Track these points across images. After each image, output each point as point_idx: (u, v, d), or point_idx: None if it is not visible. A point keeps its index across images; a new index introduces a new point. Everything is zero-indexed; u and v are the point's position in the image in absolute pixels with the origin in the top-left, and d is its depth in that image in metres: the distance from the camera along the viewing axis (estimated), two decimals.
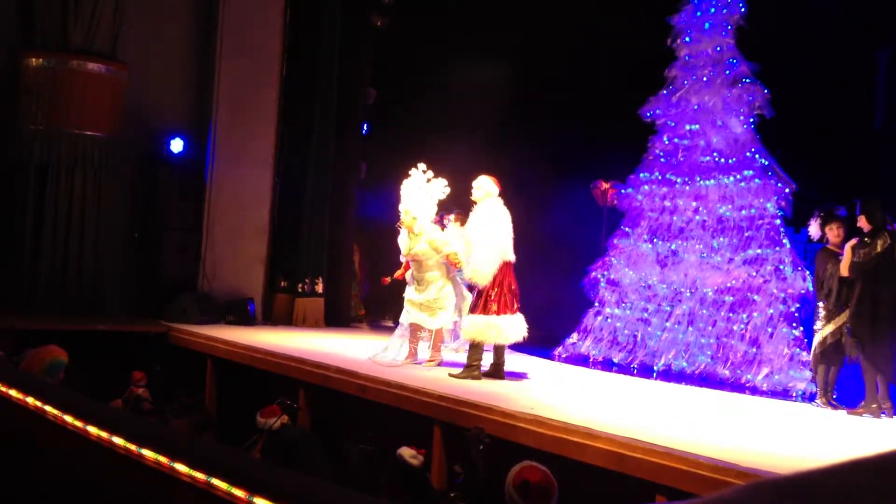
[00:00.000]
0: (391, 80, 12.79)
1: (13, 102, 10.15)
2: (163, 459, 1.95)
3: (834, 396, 7.55)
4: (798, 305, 8.77)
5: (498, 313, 7.48)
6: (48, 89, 10.10)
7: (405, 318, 8.20)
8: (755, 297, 8.90)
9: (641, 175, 10.20)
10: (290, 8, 11.61)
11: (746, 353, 8.76)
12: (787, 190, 9.15)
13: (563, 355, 9.95)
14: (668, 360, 9.30)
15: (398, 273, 8.97)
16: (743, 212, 9.26)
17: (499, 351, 7.71)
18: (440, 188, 8.05)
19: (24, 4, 10.32)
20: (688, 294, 9.44)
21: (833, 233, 7.65)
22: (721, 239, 9.34)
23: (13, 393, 2.54)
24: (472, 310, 7.63)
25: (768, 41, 10.45)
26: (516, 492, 4.00)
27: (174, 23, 11.45)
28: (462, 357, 7.92)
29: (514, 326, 7.56)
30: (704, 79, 9.76)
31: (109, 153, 10.37)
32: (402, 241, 8.19)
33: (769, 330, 8.72)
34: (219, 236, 11.16)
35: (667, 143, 10.09)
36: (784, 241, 9.06)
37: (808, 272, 8.58)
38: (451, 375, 7.51)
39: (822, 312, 7.55)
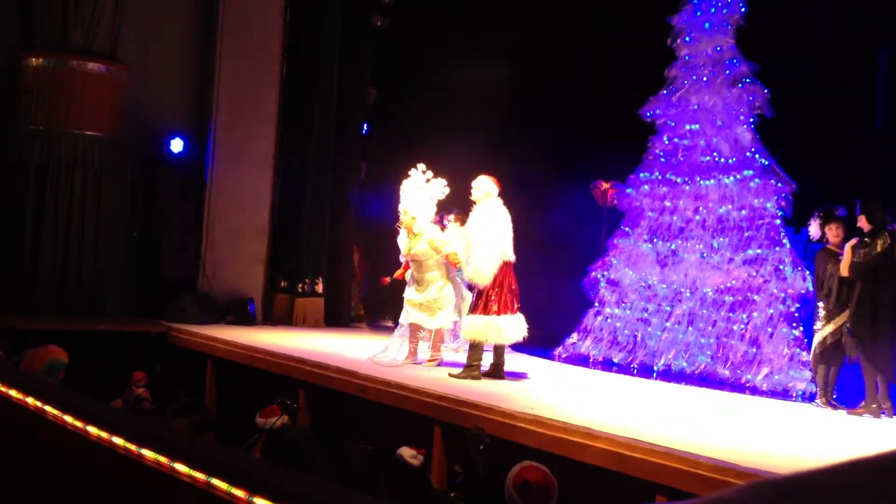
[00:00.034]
0: (391, 80, 12.79)
1: (13, 102, 10.15)
2: (163, 459, 1.95)
3: (834, 396, 7.55)
4: (798, 305, 8.77)
5: (498, 313, 7.48)
6: (48, 89, 10.10)
7: (405, 318, 8.20)
8: (755, 297, 8.91)
9: (641, 175, 10.20)
10: (290, 8, 11.61)
11: (746, 353, 8.76)
12: (787, 190, 9.15)
13: (563, 355, 9.95)
14: (668, 360, 9.30)
15: (398, 273, 8.97)
16: (743, 212, 9.26)
17: (499, 351, 7.71)
18: (439, 188, 8.05)
19: (24, 4, 10.32)
20: (688, 294, 9.44)
21: (832, 233, 7.65)
22: (721, 239, 9.34)
23: (13, 393, 2.54)
24: (473, 310, 7.63)
25: (768, 41, 10.46)
26: (516, 492, 4.00)
27: (174, 23, 11.45)
28: (462, 357, 7.92)
29: (514, 326, 7.56)
30: (704, 79, 9.77)
31: (109, 153, 10.37)
32: (402, 241, 8.19)
33: (769, 330, 8.72)
34: (219, 236, 11.16)
35: (667, 143, 10.09)
36: (784, 241, 9.06)
37: (808, 272, 8.58)
38: (451, 375, 7.52)
39: (822, 312, 7.56)
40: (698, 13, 9.88)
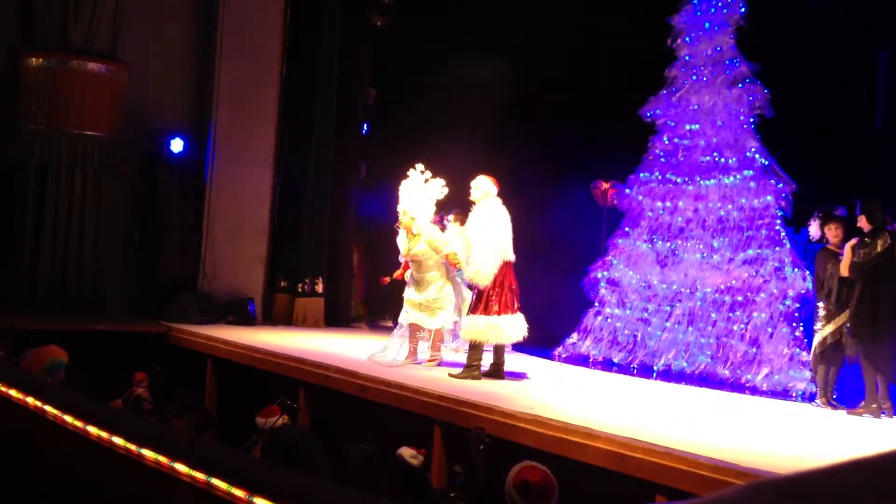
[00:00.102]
0: (391, 80, 12.79)
1: (13, 102, 10.15)
2: (163, 459, 1.95)
3: (834, 396, 7.55)
4: (798, 305, 8.77)
5: (499, 313, 7.48)
6: (48, 89, 10.10)
7: (404, 318, 8.20)
8: (755, 297, 8.90)
9: (641, 175, 10.20)
10: (290, 8, 11.61)
11: (746, 353, 8.76)
12: (787, 190, 9.15)
13: (563, 355, 9.95)
14: (668, 360, 9.30)
15: (397, 273, 8.97)
16: (743, 212, 9.26)
17: (499, 351, 7.71)
18: (438, 188, 8.05)
19: (24, 4, 10.32)
20: (688, 294, 9.44)
21: (832, 233, 7.65)
22: (721, 239, 9.34)
23: (13, 393, 2.54)
24: (473, 310, 7.63)
25: (768, 41, 10.46)
26: (516, 492, 3.99)
27: (174, 23, 11.45)
28: (462, 357, 7.92)
29: (514, 326, 7.56)
30: (704, 79, 9.77)
31: (109, 153, 10.37)
32: (401, 241, 8.19)
33: (769, 330, 8.72)
34: (219, 236, 11.16)
35: (667, 143, 10.09)
36: (784, 241, 9.06)
37: (808, 272, 8.58)
38: (451, 375, 7.52)
39: (822, 312, 7.55)
40: (698, 13, 9.88)
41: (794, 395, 8.17)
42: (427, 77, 12.91)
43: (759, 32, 9.92)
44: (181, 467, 1.90)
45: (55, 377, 5.27)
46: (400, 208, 8.05)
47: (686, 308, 9.39)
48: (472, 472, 5.04)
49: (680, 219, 9.79)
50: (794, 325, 8.71)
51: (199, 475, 1.84)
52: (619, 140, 10.75)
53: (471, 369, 7.50)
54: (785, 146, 9.74)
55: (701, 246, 9.47)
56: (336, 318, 11.69)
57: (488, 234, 7.53)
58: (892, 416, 7.06)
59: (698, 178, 9.66)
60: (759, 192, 9.18)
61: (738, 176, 9.33)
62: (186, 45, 11.51)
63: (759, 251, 9.03)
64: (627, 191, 10.31)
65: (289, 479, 1.84)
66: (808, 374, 8.12)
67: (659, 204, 9.97)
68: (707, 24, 9.81)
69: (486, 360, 7.68)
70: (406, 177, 8.09)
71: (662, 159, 10.10)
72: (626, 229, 10.23)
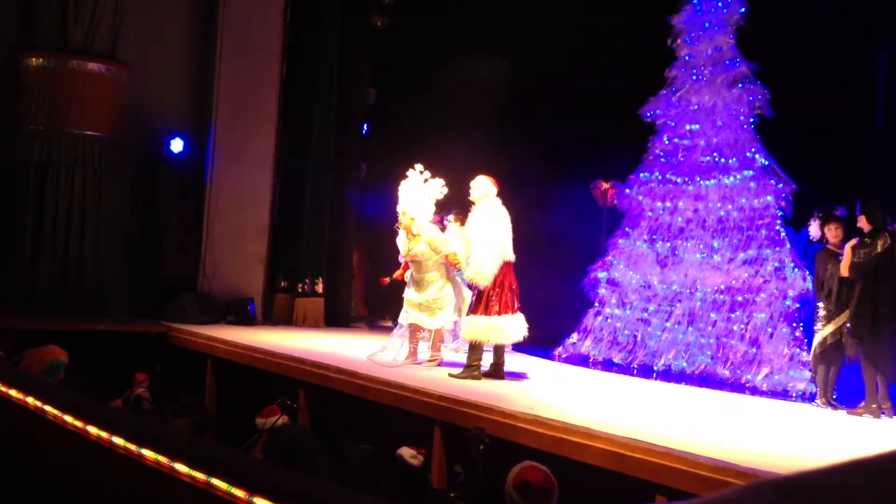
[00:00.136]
0: (391, 80, 12.79)
1: (13, 102, 10.15)
2: (163, 459, 1.95)
3: (834, 396, 7.55)
4: (798, 305, 8.77)
5: (499, 313, 7.48)
6: (48, 89, 10.10)
7: (404, 318, 8.20)
8: (755, 297, 8.90)
9: (641, 175, 10.20)
10: (290, 8, 11.61)
11: (746, 353, 8.76)
12: (787, 190, 9.15)
13: (563, 355, 9.95)
14: (668, 360, 9.30)
15: (397, 274, 8.97)
16: (743, 212, 9.25)
17: (499, 351, 7.71)
18: (437, 188, 8.05)
19: (24, 4, 10.32)
20: (688, 294, 9.44)
21: (832, 233, 7.65)
22: (721, 239, 9.34)
23: (13, 393, 2.54)
24: (473, 310, 7.62)
25: (768, 41, 10.46)
26: (517, 492, 3.99)
27: (174, 23, 11.45)
28: (462, 357, 7.92)
29: (514, 326, 7.56)
30: (704, 79, 9.77)
31: (109, 153, 10.37)
32: (401, 241, 8.19)
33: (769, 330, 8.72)
34: (219, 236, 11.16)
35: (667, 143, 10.09)
36: (784, 241, 9.06)
37: (808, 272, 8.58)
38: (451, 375, 7.52)
39: (822, 313, 7.55)
40: (698, 13, 9.88)
41: (793, 395, 8.17)
42: (427, 77, 12.92)
43: (759, 32, 9.92)
44: (181, 467, 1.90)
45: (55, 377, 5.26)
46: (399, 209, 8.05)
47: (686, 308, 9.39)
48: (472, 472, 5.04)
49: (680, 219, 9.79)
50: (794, 325, 8.71)
51: (199, 475, 1.84)
52: (619, 140, 10.75)
53: (471, 369, 7.50)
54: (785, 146, 9.75)
55: (701, 246, 9.47)
56: (336, 318, 11.69)
57: (488, 234, 7.53)
58: (892, 416, 7.06)
59: (698, 179, 9.66)
60: (759, 193, 9.18)
61: (738, 176, 9.33)
62: (186, 45, 11.51)
63: (759, 251, 9.03)
64: (627, 191, 10.31)
65: (289, 479, 1.83)
66: (808, 374, 8.12)
67: (659, 204, 9.97)
68: (707, 24, 9.81)
69: (486, 361, 7.68)
70: (406, 177, 8.09)
71: (662, 159, 10.10)
72: (626, 229, 10.23)
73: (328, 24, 11.59)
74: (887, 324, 7.11)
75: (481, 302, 7.54)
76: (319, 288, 11.47)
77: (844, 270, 7.29)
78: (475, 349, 7.55)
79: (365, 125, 12.62)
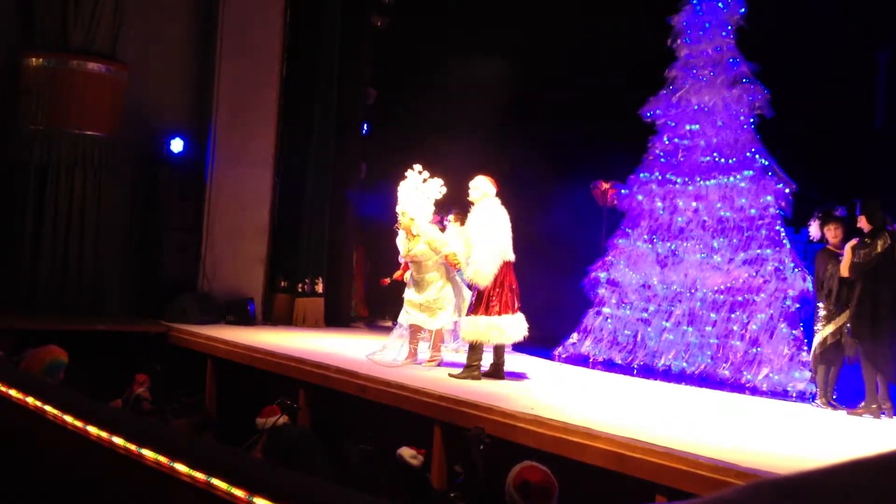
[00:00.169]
0: (391, 80, 12.79)
1: (13, 102, 10.16)
2: (163, 459, 1.95)
3: (834, 396, 7.55)
4: (798, 306, 8.77)
5: (500, 313, 7.48)
6: (48, 89, 10.10)
7: (405, 318, 8.20)
8: (755, 297, 8.90)
9: (641, 175, 10.20)
10: (290, 8, 11.61)
11: (746, 353, 8.76)
12: (787, 190, 9.15)
13: (563, 355, 9.95)
14: (668, 360, 9.30)
15: (397, 274, 8.97)
16: (743, 212, 9.25)
17: (499, 351, 7.71)
18: (436, 188, 8.04)
19: (24, 4, 10.32)
20: (688, 294, 9.44)
21: (831, 233, 7.64)
22: (721, 239, 9.34)
23: (13, 393, 2.54)
24: (474, 311, 7.61)
25: (768, 41, 10.46)
26: (517, 492, 3.99)
27: (174, 23, 11.45)
28: (462, 357, 7.92)
29: (515, 326, 7.56)
30: (704, 79, 9.77)
31: (109, 153, 10.38)
32: (401, 242, 8.19)
33: (769, 330, 8.72)
34: (219, 236, 11.16)
35: (667, 143, 10.09)
36: (784, 241, 9.06)
37: (808, 272, 8.58)
38: (451, 376, 7.52)
39: (822, 313, 7.55)
40: (699, 13, 9.88)
41: (793, 395, 8.17)
42: (427, 77, 12.92)
43: (759, 32, 9.92)
44: (181, 467, 1.90)
45: (55, 377, 5.26)
46: (399, 209, 8.04)
47: (686, 308, 9.39)
48: (472, 472, 5.04)
49: (680, 219, 9.79)
50: (795, 325, 8.71)
51: (199, 475, 1.84)
52: (619, 140, 10.75)
53: (471, 369, 7.50)
54: (785, 146, 9.74)
55: (701, 246, 9.47)
56: (336, 318, 11.69)
57: (488, 234, 7.53)
58: (892, 416, 7.06)
59: (698, 179, 9.66)
60: (760, 193, 9.18)
61: (739, 176, 9.32)
62: (186, 45, 11.51)
63: (759, 251, 9.03)
64: (628, 191, 10.31)
65: (289, 479, 1.83)
66: (808, 374, 8.12)
67: (659, 204, 9.97)
68: (707, 24, 9.81)
69: (486, 361, 7.68)
70: (405, 177, 8.09)
71: (662, 159, 10.10)
72: (626, 229, 10.23)
73: (328, 24, 11.60)
74: (887, 324, 7.11)
75: (481, 302, 7.54)
76: (319, 288, 11.47)
77: (844, 270, 7.29)
78: (475, 349, 7.55)
79: (365, 125, 12.62)
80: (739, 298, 9.04)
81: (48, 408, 2.38)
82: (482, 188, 7.69)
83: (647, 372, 9.22)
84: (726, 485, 4.46)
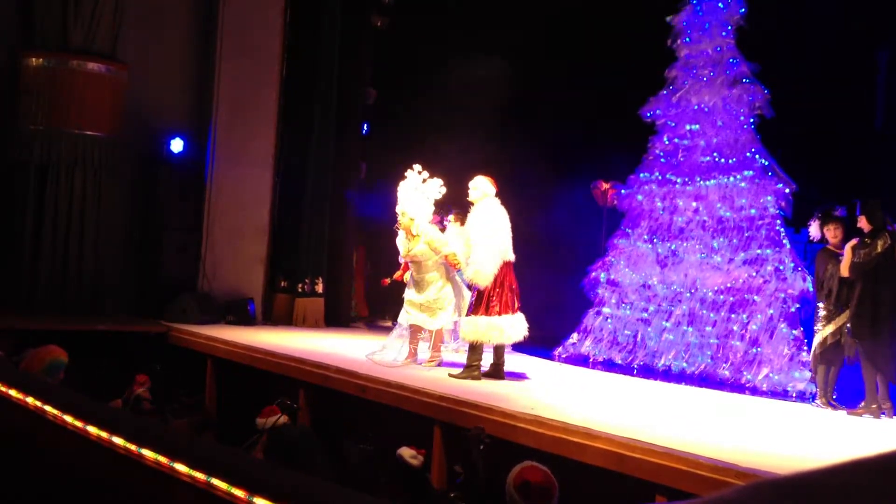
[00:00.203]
0: (391, 80, 12.79)
1: (13, 102, 10.16)
2: (163, 459, 1.95)
3: (834, 396, 7.55)
4: (798, 306, 8.76)
5: (500, 313, 7.48)
6: (48, 89, 10.10)
7: (405, 319, 8.20)
8: (755, 297, 8.90)
9: (641, 175, 10.20)
10: (290, 8, 11.61)
11: (746, 353, 8.76)
12: (787, 190, 9.15)
13: (563, 355, 9.95)
14: (668, 360, 9.30)
15: (397, 274, 8.98)
16: (743, 212, 9.25)
17: (499, 351, 7.71)
18: (436, 188, 8.04)
19: (24, 4, 10.32)
20: (688, 294, 9.43)
21: (831, 233, 7.64)
22: (721, 239, 9.34)
23: (13, 393, 2.54)
24: (474, 311, 7.61)
25: (768, 41, 10.45)
26: (517, 492, 3.99)
27: (174, 23, 11.45)
28: (462, 357, 7.91)
29: (515, 326, 7.56)
30: (704, 79, 9.77)
31: (109, 153, 10.38)
32: (401, 242, 8.19)
33: (769, 330, 8.72)
34: (219, 236, 11.16)
35: (667, 143, 10.09)
36: (784, 241, 9.05)
37: (808, 272, 8.58)
38: (451, 376, 7.51)
39: (822, 313, 7.55)
40: (698, 13, 9.88)
41: (793, 395, 8.17)
42: (427, 77, 12.91)
43: (759, 32, 9.92)
44: (181, 467, 1.90)
45: (55, 377, 5.26)
46: (398, 209, 8.04)
47: (686, 308, 9.39)
48: (472, 472, 5.04)
49: (680, 219, 9.78)
50: (795, 325, 8.71)
51: (199, 475, 1.84)
52: (619, 140, 10.74)
53: (471, 369, 7.50)
54: (785, 146, 9.74)
55: (701, 246, 9.46)
56: (336, 318, 11.69)
57: (488, 234, 7.53)
58: (892, 416, 7.05)
59: (698, 179, 9.66)
60: (760, 193, 9.18)
61: (739, 176, 9.32)
62: (186, 45, 11.51)
63: (759, 251, 9.03)
64: (628, 191, 10.31)
65: (289, 479, 1.84)
66: (808, 374, 8.12)
67: (659, 204, 9.97)
68: (707, 25, 9.81)
69: (486, 361, 7.68)
70: (405, 177, 8.09)
71: (662, 159, 10.10)
72: (626, 229, 10.23)
73: (328, 24, 11.60)
74: (887, 324, 7.11)
75: (482, 302, 7.54)
76: (319, 288, 11.47)
77: (844, 271, 7.29)
78: (475, 349, 7.55)
79: (365, 125, 12.62)
80: (739, 298, 9.04)
81: (48, 408, 2.38)
82: (482, 188, 7.69)
83: (647, 372, 9.22)
84: (726, 485, 4.46)
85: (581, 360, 9.75)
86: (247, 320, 10.69)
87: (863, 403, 7.20)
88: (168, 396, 8.08)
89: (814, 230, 7.90)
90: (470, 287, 7.92)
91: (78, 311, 9.99)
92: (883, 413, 7.06)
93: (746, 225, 9.21)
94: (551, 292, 10.80)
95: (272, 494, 1.71)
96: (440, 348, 8.26)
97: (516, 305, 7.62)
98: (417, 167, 8.07)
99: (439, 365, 8.03)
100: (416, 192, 8.00)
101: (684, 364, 9.15)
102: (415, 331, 8.16)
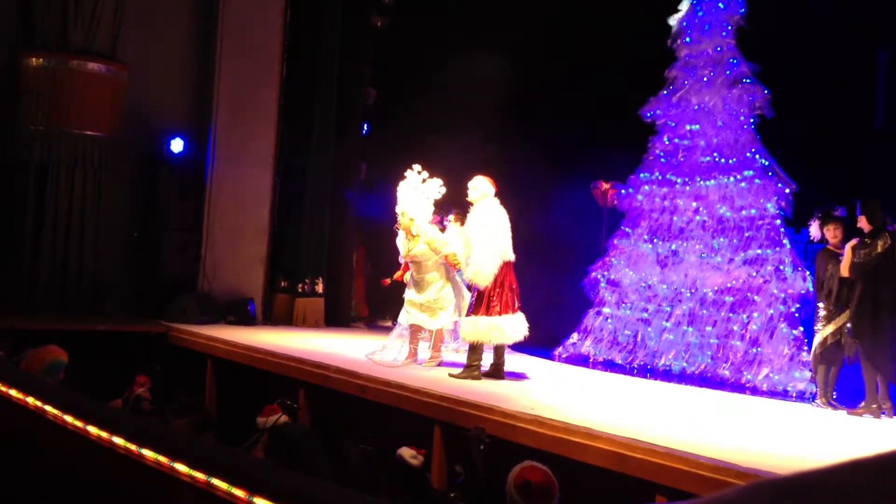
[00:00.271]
0: (391, 80, 12.79)
1: (13, 102, 10.16)
2: (163, 459, 1.95)
3: (834, 396, 7.55)
4: (798, 306, 8.77)
5: (500, 314, 7.48)
6: (48, 89, 10.10)
7: (405, 319, 8.20)
8: (755, 297, 8.90)
9: (641, 175, 10.20)
10: (290, 8, 11.61)
11: (746, 353, 8.76)
12: (787, 190, 9.15)
13: (563, 355, 9.95)
14: (669, 360, 9.30)
15: (398, 274, 8.98)
16: (743, 212, 9.26)
17: (499, 351, 7.71)
18: (435, 188, 8.04)
19: (24, 4, 10.32)
20: (688, 294, 9.44)
21: (831, 233, 7.64)
22: (721, 239, 9.34)
23: (13, 393, 2.54)
24: (474, 311, 7.60)
25: (768, 41, 10.45)
26: (517, 492, 3.99)
27: (174, 23, 11.45)
28: (462, 357, 7.91)
29: (515, 326, 7.56)
30: (704, 79, 9.77)
31: (109, 153, 10.38)
32: (401, 242, 8.19)
33: (769, 330, 8.72)
34: (219, 236, 11.16)
35: (667, 143, 10.10)
36: (784, 241, 9.06)
37: (808, 272, 8.58)
38: (451, 376, 7.51)
39: (822, 313, 7.55)
40: (699, 13, 9.88)
41: (793, 395, 8.17)
42: (427, 77, 12.91)
43: (759, 32, 9.92)
44: (181, 467, 1.90)
45: (55, 377, 5.26)
46: (398, 209, 8.04)
47: (686, 308, 9.39)
48: (472, 472, 5.04)
49: (680, 219, 9.79)
50: (795, 325, 8.71)
51: (199, 475, 1.84)
52: (619, 140, 10.74)
53: (471, 369, 7.50)
54: (785, 146, 9.74)
55: (701, 246, 9.47)
56: (336, 318, 11.69)
57: (488, 234, 7.53)
58: (892, 416, 7.06)
59: (698, 179, 9.66)
60: (760, 193, 9.18)
61: (739, 176, 9.33)
62: (186, 45, 11.51)
63: (759, 251, 9.03)
64: (628, 191, 10.31)
65: (289, 479, 1.84)
66: (808, 374, 8.12)
67: (659, 203, 9.97)
68: (707, 25, 9.81)
69: (486, 361, 7.68)
70: (405, 177, 8.09)
71: (662, 159, 10.10)
72: (626, 229, 10.23)
73: (328, 24, 11.60)
74: (887, 324, 7.11)
75: (482, 302, 7.53)
76: (319, 288, 11.47)
77: (845, 271, 7.29)
78: (475, 349, 7.55)
79: (365, 125, 12.62)
80: (740, 298, 9.04)
81: (48, 408, 2.38)
82: (481, 188, 7.68)
83: (648, 372, 9.22)
84: (726, 485, 4.46)
85: (581, 360, 9.76)
86: (247, 320, 10.69)
87: (863, 403, 7.20)
88: (168, 396, 8.08)
89: (814, 230, 7.90)
90: (470, 287, 7.92)
91: (78, 311, 9.99)
92: (883, 413, 7.06)
93: (746, 225, 9.21)
94: (551, 292, 10.81)
95: (272, 494, 1.71)
96: (440, 348, 8.26)
97: (516, 305, 7.62)
98: (417, 167, 8.07)
99: (439, 365, 8.02)
100: (416, 192, 8.00)
101: (684, 364, 9.16)
102: (415, 331, 8.16)
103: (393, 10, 12.30)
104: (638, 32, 10.70)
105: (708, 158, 9.66)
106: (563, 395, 7.19)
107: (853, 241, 7.32)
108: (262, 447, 5.64)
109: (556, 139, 12.28)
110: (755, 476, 4.44)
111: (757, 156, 9.37)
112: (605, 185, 11.78)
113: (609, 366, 9.48)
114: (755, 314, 8.85)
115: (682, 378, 8.87)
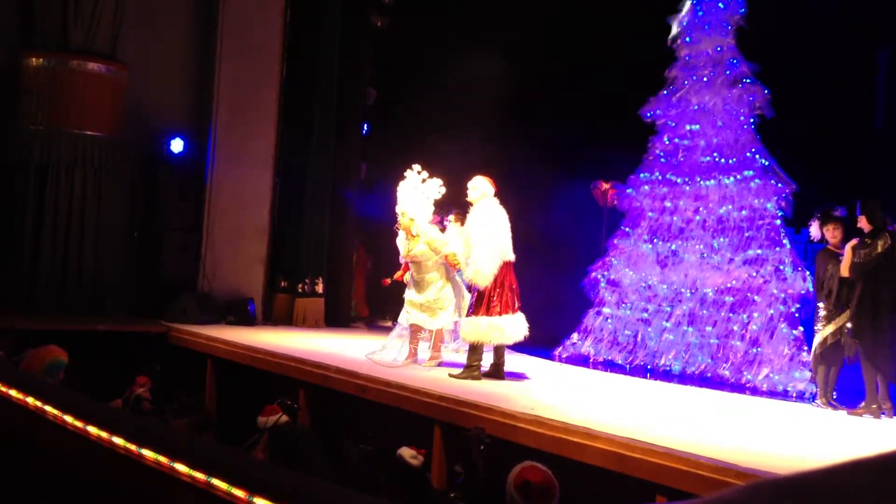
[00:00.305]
0: (391, 80, 12.79)
1: (13, 102, 10.16)
2: (163, 459, 1.95)
3: (834, 396, 7.55)
4: (798, 306, 8.77)
5: (500, 314, 7.48)
6: (48, 89, 10.10)
7: (405, 319, 8.20)
8: (755, 297, 8.90)
9: (641, 175, 10.20)
10: (290, 8, 11.61)
11: (746, 353, 8.76)
12: (787, 190, 9.15)
13: (564, 355, 9.95)
14: (669, 360, 9.30)
15: (398, 274, 8.98)
16: (743, 212, 9.26)
17: (499, 351, 7.71)
18: (435, 188, 8.04)
19: (24, 4, 10.32)
20: (688, 294, 9.44)
21: (830, 233, 7.64)
22: (721, 239, 9.34)
23: (13, 393, 2.54)
24: (474, 311, 7.60)
25: (768, 41, 10.46)
26: (517, 492, 3.99)
27: (174, 23, 11.45)
28: (462, 357, 7.91)
29: (515, 326, 7.56)
30: (704, 79, 9.77)
31: (109, 153, 10.38)
32: (401, 242, 8.19)
33: (769, 330, 8.72)
34: (219, 236, 11.16)
35: (667, 143, 10.10)
36: (784, 241, 9.06)
37: (808, 273, 8.58)
38: (451, 376, 7.51)
39: (822, 313, 7.55)
40: (699, 13, 9.88)
41: (793, 395, 8.17)
42: (427, 77, 12.91)
43: (759, 32, 9.92)
44: (181, 467, 1.90)
45: (55, 377, 5.26)
46: (398, 209, 8.04)
47: (686, 308, 9.39)
48: (472, 472, 5.04)
49: (678, 219, 9.79)
50: (795, 325, 8.71)
51: (199, 475, 1.84)
52: (619, 140, 10.75)
53: (471, 369, 7.50)
54: (785, 146, 9.74)
55: (701, 246, 9.47)
56: (336, 318, 11.69)
57: (488, 234, 7.53)
58: (892, 416, 7.05)
59: (698, 179, 9.66)
60: (760, 193, 9.18)
61: (739, 176, 9.33)
62: (186, 45, 11.51)
63: (759, 251, 9.03)
64: (628, 191, 10.31)
65: (289, 479, 1.83)
66: (808, 374, 8.12)
67: (659, 203, 9.97)
68: (707, 25, 9.81)
69: (487, 361, 7.68)
70: (405, 177, 8.09)
71: (662, 159, 10.10)
72: (627, 229, 10.23)
73: (328, 24, 11.60)
74: (888, 324, 7.11)
75: (482, 302, 7.53)
76: (319, 288, 11.47)
77: (845, 271, 7.29)
78: (475, 349, 7.55)
79: (365, 125, 12.62)
80: (740, 298, 9.04)
81: (48, 408, 2.37)
82: (481, 188, 7.68)
83: (648, 372, 9.22)
84: (726, 485, 4.46)
85: (581, 360, 9.76)
86: (247, 320, 10.69)
87: (863, 403, 7.20)
88: (168, 396, 8.08)
89: (814, 230, 7.90)
90: (470, 287, 7.92)
91: (78, 311, 9.99)
92: (883, 413, 7.06)
93: (746, 225, 9.22)
94: (551, 292, 10.81)
95: (272, 494, 1.71)
96: (440, 348, 8.26)
97: (517, 305, 7.62)
98: (417, 167, 8.06)
99: (439, 365, 8.02)
100: (416, 192, 8.00)
101: (684, 364, 9.15)
102: (415, 331, 8.16)
103: (393, 10, 12.30)
104: (638, 32, 10.70)
105: (708, 158, 9.66)
106: (563, 395, 7.19)
107: (853, 241, 7.32)
108: (262, 447, 5.64)
109: (556, 139, 12.28)
110: (755, 476, 4.44)
111: (757, 156, 9.37)
112: (605, 185, 11.79)
113: (609, 366, 9.48)
114: (755, 314, 8.85)
115: (682, 378, 8.87)
